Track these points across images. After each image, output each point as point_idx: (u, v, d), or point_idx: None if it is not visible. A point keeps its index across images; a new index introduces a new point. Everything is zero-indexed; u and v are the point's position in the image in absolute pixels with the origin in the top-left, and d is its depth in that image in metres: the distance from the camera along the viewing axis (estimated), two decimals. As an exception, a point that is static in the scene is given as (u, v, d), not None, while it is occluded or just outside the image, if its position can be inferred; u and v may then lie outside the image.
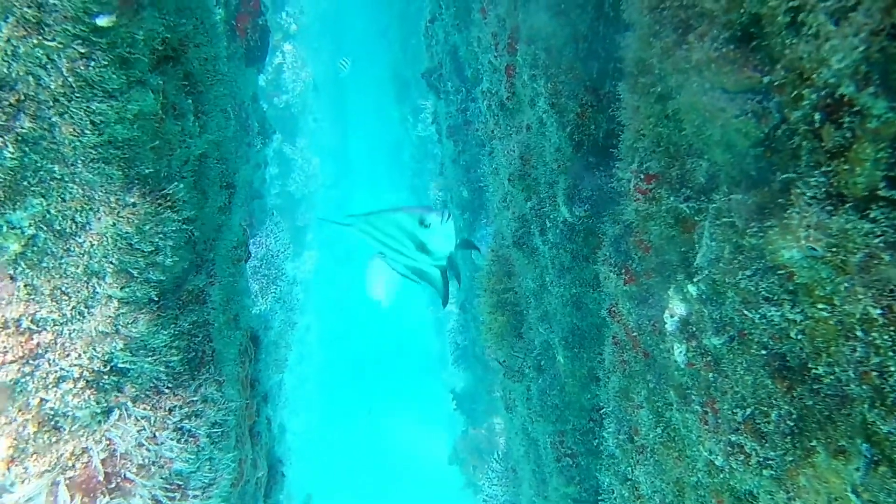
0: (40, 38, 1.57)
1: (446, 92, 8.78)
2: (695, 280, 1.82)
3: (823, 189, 1.25)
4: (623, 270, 2.43)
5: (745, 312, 1.60)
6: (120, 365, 2.05)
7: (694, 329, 1.90)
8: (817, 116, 1.22)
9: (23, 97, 1.66)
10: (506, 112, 4.27)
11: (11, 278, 1.85)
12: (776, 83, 1.34)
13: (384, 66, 17.47)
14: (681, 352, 1.96)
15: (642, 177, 2.03)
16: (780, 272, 1.44)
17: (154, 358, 2.12)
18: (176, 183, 2.05)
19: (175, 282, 2.26)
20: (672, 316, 2.06)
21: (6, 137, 1.66)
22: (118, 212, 1.92)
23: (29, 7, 1.52)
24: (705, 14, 1.52)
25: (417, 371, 19.48)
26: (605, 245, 2.59)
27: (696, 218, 1.80)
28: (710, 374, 1.84)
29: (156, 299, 2.11)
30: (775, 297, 1.50)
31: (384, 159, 20.32)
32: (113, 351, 2.00)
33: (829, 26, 1.11)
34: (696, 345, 1.89)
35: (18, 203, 1.76)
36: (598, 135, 3.11)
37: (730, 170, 1.59)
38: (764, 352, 1.60)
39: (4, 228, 1.77)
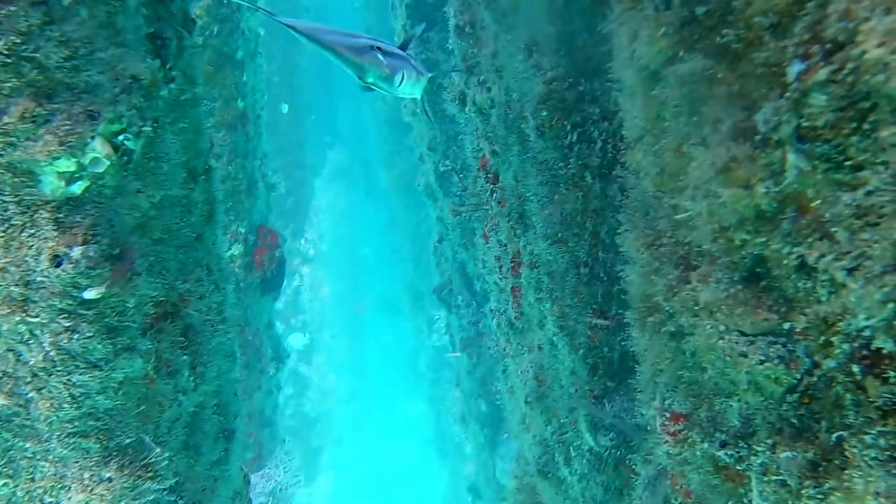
0: (24, 314, 1.54)
1: (457, 306, 8.91)
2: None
3: (885, 450, 1.06)
4: (663, 519, 2.11)
5: None
6: None
7: None
8: (856, 369, 1.08)
9: (0, 374, 1.58)
10: (516, 331, 4.21)
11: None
12: (798, 328, 1.22)
13: (398, 280, 18.13)
14: None
15: (668, 415, 1.83)
16: (855, 549, 1.18)
17: None
18: (158, 451, 1.88)
19: (150, 564, 1.97)
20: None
21: (-26, 420, 1.55)
22: (91, 488, 1.72)
23: (16, 286, 1.51)
24: (705, 253, 1.47)
25: None
26: (638, 486, 2.30)
27: (738, 467, 1.58)
28: None
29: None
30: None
31: (401, 370, 20.10)
32: None
33: (843, 277, 1.03)
34: None
35: (-23, 491, 1.58)
36: (612, 357, 2.97)
37: (766, 415, 1.41)
38: None
39: (-44, 522, 1.57)
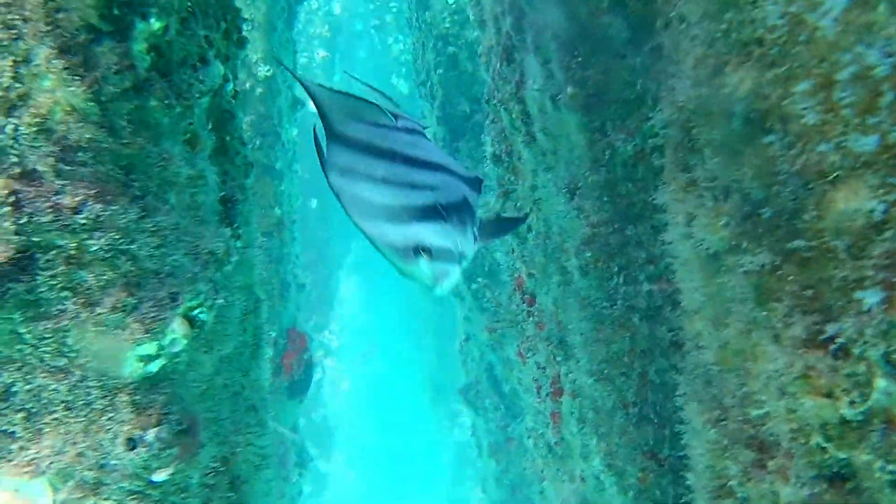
0: (96, 497, 1.54)
1: (484, 409, 8.72)
2: None
3: None
4: None
5: None
6: None
7: None
8: None
9: (64, 559, 1.56)
10: (555, 456, 4.09)
11: None
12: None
13: (419, 371, 17.90)
14: None
15: None
16: None
17: None
18: None
19: None
20: None
21: None
22: None
23: (90, 470, 1.52)
24: (781, 446, 1.45)
25: None
26: None
27: None
28: None
29: None
30: None
31: (421, 465, 19.43)
32: None
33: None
34: None
35: None
36: (665, 501, 2.86)
37: None
38: None
39: None
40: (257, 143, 6.56)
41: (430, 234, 1.48)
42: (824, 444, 1.30)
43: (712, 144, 1.59)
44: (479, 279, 6.04)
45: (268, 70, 6.08)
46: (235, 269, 2.25)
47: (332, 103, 1.66)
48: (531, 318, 4.08)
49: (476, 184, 1.75)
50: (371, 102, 1.73)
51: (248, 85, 6.08)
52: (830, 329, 1.23)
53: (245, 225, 2.45)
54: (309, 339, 7.68)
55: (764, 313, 1.45)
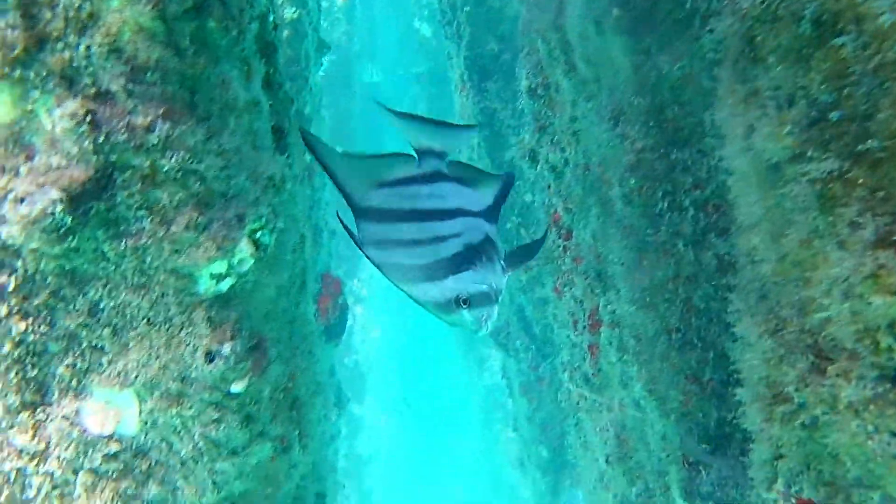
0: (179, 407, 1.64)
1: (515, 350, 8.86)
2: None
3: None
4: None
5: None
6: None
7: None
8: None
9: (153, 464, 1.68)
10: (592, 387, 4.18)
11: None
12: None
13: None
14: None
15: (794, 501, 1.80)
16: None
17: None
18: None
19: None
20: None
21: (132, 506, 1.64)
22: (224, 572, 1.79)
23: (174, 381, 1.61)
24: (843, 349, 1.47)
25: None
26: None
27: (883, 565, 1.54)
28: None
29: None
30: None
31: (450, 410, 19.96)
32: None
33: None
34: None
35: (130, 577, 1.67)
36: (708, 423, 2.92)
37: (919, 518, 1.38)
38: None
39: None
40: (287, 87, 6.51)
41: (466, 284, 1.60)
42: (892, 344, 1.32)
43: (777, 51, 1.56)
44: (513, 218, 6.05)
45: (294, 12, 5.99)
46: (287, 200, 2.29)
47: (348, 175, 1.83)
48: (567, 254, 4.10)
49: (493, 213, 1.85)
50: (387, 155, 1.88)
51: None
52: (903, 227, 1.23)
53: (293, 157, 2.48)
54: (342, 284, 7.83)
55: (829, 219, 1.45)
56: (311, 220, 7.11)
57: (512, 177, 2.01)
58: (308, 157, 6.79)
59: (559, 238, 4.20)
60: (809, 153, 1.49)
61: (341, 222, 1.76)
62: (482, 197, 1.88)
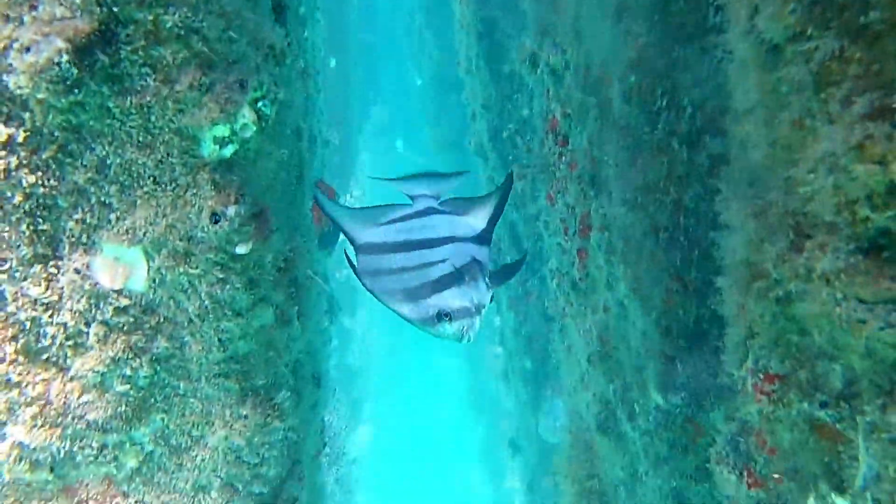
0: (186, 266, 1.71)
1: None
2: (848, 494, 1.65)
3: None
4: (745, 472, 2.24)
5: (924, 542, 1.42)
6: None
7: (851, 552, 1.68)
8: None
9: (162, 319, 1.76)
10: (578, 292, 4.31)
11: (124, 495, 1.84)
12: (924, 298, 1.30)
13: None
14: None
15: (761, 376, 1.94)
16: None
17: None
18: (284, 391, 2.07)
19: (273, 493, 2.19)
20: (816, 531, 1.85)
21: (142, 358, 1.74)
22: (231, 424, 1.93)
23: (181, 240, 1.67)
24: (822, 223, 1.54)
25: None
26: (718, 443, 2.43)
27: (837, 426, 1.68)
28: None
29: (256, 513, 2.04)
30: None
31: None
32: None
33: None
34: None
35: (143, 420, 1.79)
36: (687, 320, 3.06)
37: (875, 378, 1.50)
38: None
39: (127, 445, 1.79)
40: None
41: (447, 300, 1.81)
42: (869, 214, 1.39)
43: (788, -75, 1.54)
44: (510, 126, 6.02)
45: None
46: (287, 75, 2.28)
47: (352, 221, 2.14)
48: (563, 160, 4.12)
49: (484, 238, 2.14)
50: (383, 206, 2.22)
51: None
52: (894, 101, 1.27)
53: (292, 34, 2.45)
54: (336, 193, 7.83)
55: (822, 97, 1.48)
56: (307, 123, 7.02)
57: (510, 180, 2.31)
58: (302, 61, 6.61)
59: (556, 145, 4.22)
60: (810, 31, 1.51)
61: (347, 260, 2.03)
62: (476, 221, 2.16)
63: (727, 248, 2.00)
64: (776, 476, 2.07)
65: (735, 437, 2.34)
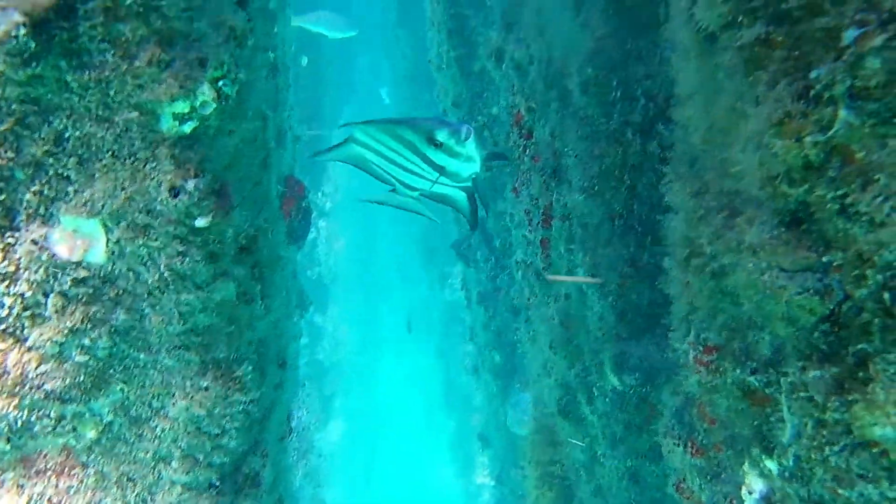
0: (146, 238, 1.75)
1: (475, 261, 9.13)
2: (775, 455, 1.76)
3: (905, 365, 1.26)
4: (689, 443, 2.35)
5: (839, 490, 1.53)
6: (175, 559, 1.97)
7: (779, 509, 1.80)
8: (887, 296, 1.27)
9: (121, 291, 1.80)
10: (542, 281, 4.42)
11: (83, 466, 1.86)
12: (835, 263, 1.41)
13: (413, 234, 18.34)
14: (768, 535, 1.83)
15: (701, 348, 2.05)
16: (872, 449, 1.40)
17: (210, 550, 2.03)
18: (246, 365, 2.11)
19: (235, 464, 2.23)
20: (750, 493, 1.96)
21: (101, 329, 1.77)
22: (192, 395, 1.97)
23: (140, 213, 1.71)
24: (751, 199, 1.65)
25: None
26: (665, 416, 2.54)
27: (766, 391, 1.79)
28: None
29: (216, 484, 2.08)
30: (870, 475, 1.44)
31: (413, 323, 20.50)
32: (171, 544, 1.94)
33: (884, 213, 1.21)
34: (784, 528, 1.77)
35: (103, 391, 1.82)
36: (641, 303, 3.18)
37: (796, 343, 1.61)
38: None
39: (86, 416, 1.82)
40: (249, -23, 6.24)
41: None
42: (788, 190, 1.50)
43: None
44: (479, 118, 6.10)
45: None
46: (252, 59, 2.32)
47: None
48: (527, 153, 4.22)
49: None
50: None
51: None
52: (811, 76, 1.37)
53: (255, 25, 2.49)
54: (306, 188, 7.83)
55: (751, 79, 1.59)
56: (274, 121, 7.01)
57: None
58: (272, 53, 6.56)
59: (520, 138, 4.31)
60: (740, 19, 1.61)
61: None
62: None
63: (670, 228, 2.10)
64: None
65: (680, 410, 2.46)
